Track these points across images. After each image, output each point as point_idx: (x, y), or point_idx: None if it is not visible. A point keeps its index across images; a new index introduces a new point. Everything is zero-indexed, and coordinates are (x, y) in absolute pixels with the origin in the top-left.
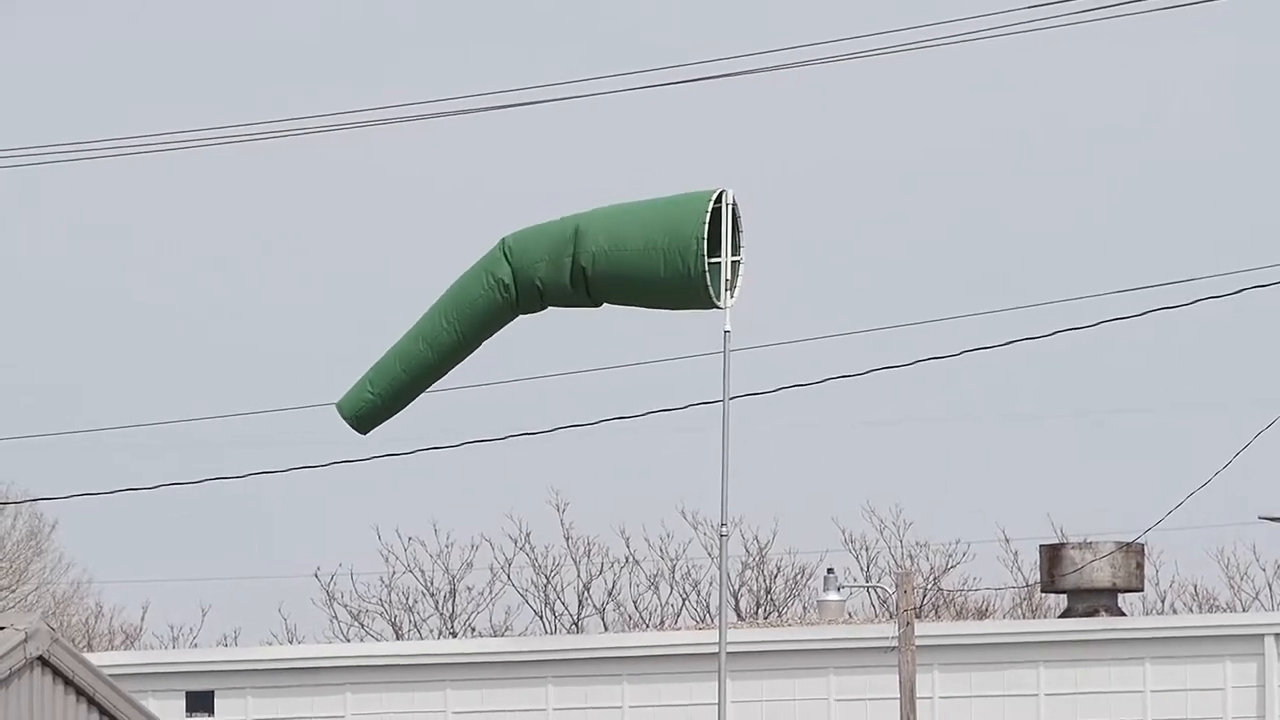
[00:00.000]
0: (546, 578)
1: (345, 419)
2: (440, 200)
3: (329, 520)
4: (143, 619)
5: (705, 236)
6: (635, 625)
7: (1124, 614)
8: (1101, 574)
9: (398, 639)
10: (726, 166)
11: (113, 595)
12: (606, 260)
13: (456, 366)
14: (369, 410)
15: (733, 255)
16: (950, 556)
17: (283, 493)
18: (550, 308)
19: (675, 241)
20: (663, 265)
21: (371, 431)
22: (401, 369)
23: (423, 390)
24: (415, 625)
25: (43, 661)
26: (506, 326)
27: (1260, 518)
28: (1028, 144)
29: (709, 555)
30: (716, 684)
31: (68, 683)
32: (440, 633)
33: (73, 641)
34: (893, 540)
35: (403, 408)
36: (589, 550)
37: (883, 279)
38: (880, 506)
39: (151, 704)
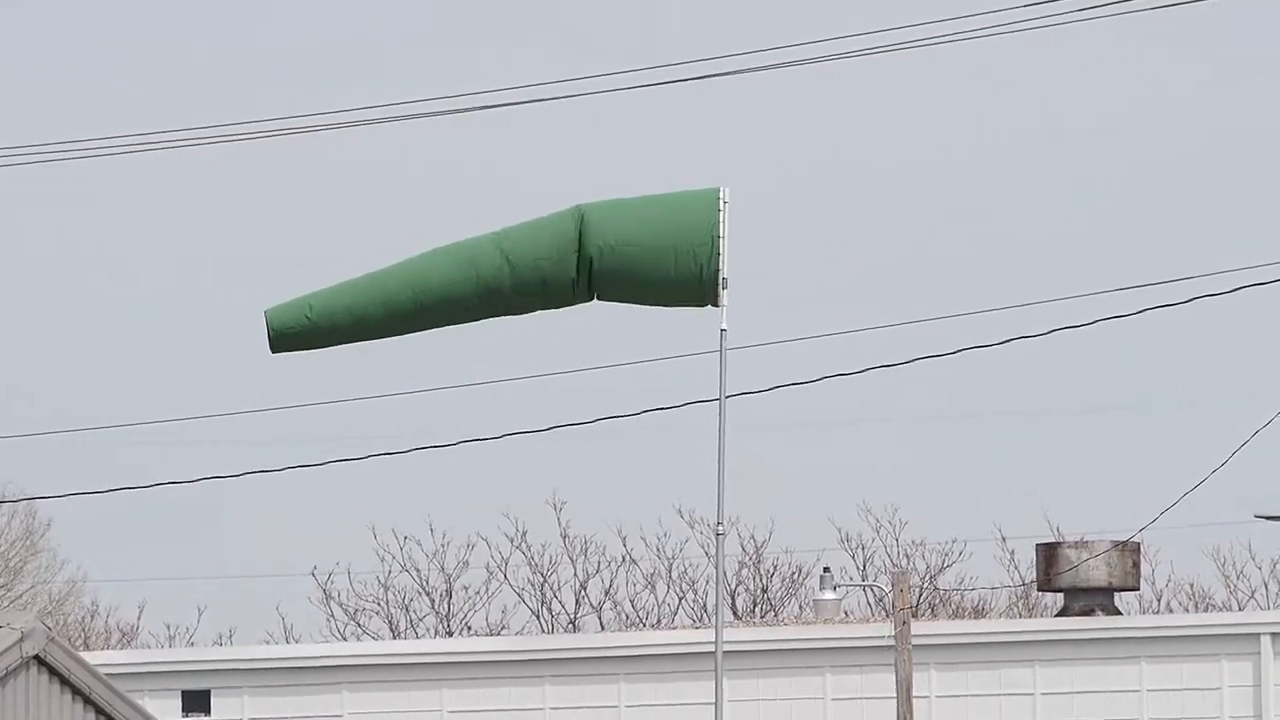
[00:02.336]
0: (543, 577)
1: (270, 330)
2: (436, 200)
3: (325, 519)
4: (139, 618)
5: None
6: (632, 624)
7: (1120, 613)
8: (1098, 573)
9: (394, 638)
10: (722, 165)
11: (108, 594)
12: (614, 256)
13: (401, 336)
14: (297, 332)
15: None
16: (946, 555)
17: (279, 491)
18: (543, 309)
19: (689, 239)
20: (674, 263)
21: (281, 353)
22: (345, 310)
23: (357, 340)
24: (412, 624)
25: (39, 660)
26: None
27: (1256, 516)
28: (1022, 142)
29: (706, 554)
30: (713, 683)
31: (64, 682)
32: (437, 632)
33: (69, 640)
34: (889, 539)
35: (332, 345)
36: (586, 549)
37: (878, 277)
38: (876, 505)
39: (148, 703)
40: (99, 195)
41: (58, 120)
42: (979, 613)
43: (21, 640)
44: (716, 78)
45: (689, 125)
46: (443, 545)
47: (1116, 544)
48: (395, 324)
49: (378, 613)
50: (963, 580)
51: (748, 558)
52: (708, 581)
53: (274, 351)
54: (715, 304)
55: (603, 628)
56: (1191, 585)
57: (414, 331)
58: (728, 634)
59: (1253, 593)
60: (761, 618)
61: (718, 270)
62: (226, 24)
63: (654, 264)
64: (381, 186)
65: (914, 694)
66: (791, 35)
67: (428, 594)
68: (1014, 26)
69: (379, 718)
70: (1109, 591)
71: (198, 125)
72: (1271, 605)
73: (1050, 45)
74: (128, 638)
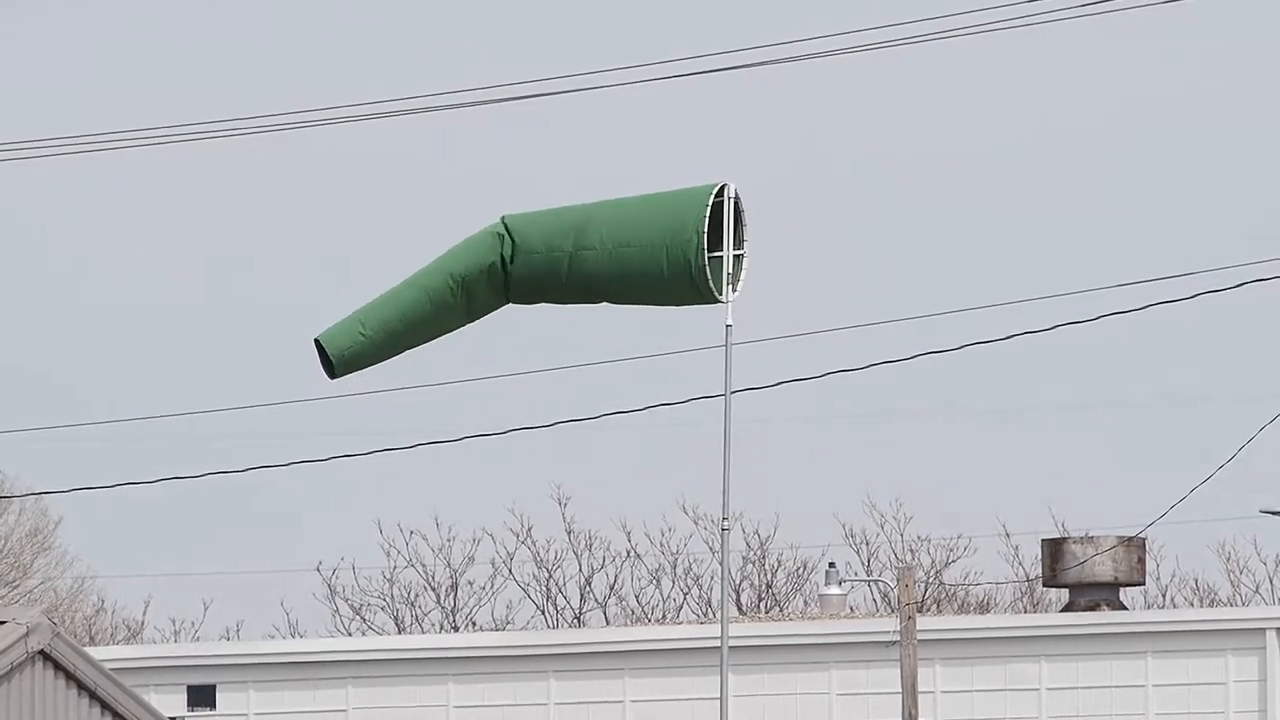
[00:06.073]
0: (548, 572)
1: (330, 355)
2: (441, 193)
3: (331, 514)
4: (145, 613)
5: (706, 231)
6: (637, 619)
7: (1125, 608)
8: (1103, 568)
9: (400, 633)
10: (728, 160)
11: (115, 590)
12: (609, 258)
13: (445, 334)
14: (355, 351)
15: (735, 249)
16: (951, 551)
17: (284, 486)
18: (542, 303)
19: (677, 237)
20: (665, 262)
21: (344, 377)
22: (397, 317)
23: (408, 347)
24: (417, 619)
25: (44, 656)
26: (498, 312)
27: (1261, 511)
28: (1027, 137)
29: (710, 549)
30: (719, 678)
31: (69, 677)
32: (442, 627)
33: (74, 636)
34: (894, 534)
35: (385, 359)
36: (590, 544)
37: (883, 273)
38: (881, 501)
39: (153, 698)
40: (100, 191)
41: (57, 118)
42: (984, 608)
43: (27, 635)
44: (719, 71)
45: (691, 119)
46: (448, 540)
47: (1122, 539)
48: (443, 318)
49: (383, 608)
50: (968, 576)
51: (753, 553)
52: (713, 577)
53: (334, 378)
54: (712, 300)
55: (608, 623)
56: (1196, 581)
57: (463, 323)
58: (733, 629)
59: (1257, 588)
60: (767, 613)
61: (704, 265)
62: (227, 23)
63: (647, 264)
64: (384, 179)
65: (919, 689)
66: (795, 30)
67: (433, 589)
68: (1015, 22)
69: (384, 713)
70: (1114, 587)
71: (196, 120)
72: (1276, 600)
73: (1051, 41)
74: (133, 633)
